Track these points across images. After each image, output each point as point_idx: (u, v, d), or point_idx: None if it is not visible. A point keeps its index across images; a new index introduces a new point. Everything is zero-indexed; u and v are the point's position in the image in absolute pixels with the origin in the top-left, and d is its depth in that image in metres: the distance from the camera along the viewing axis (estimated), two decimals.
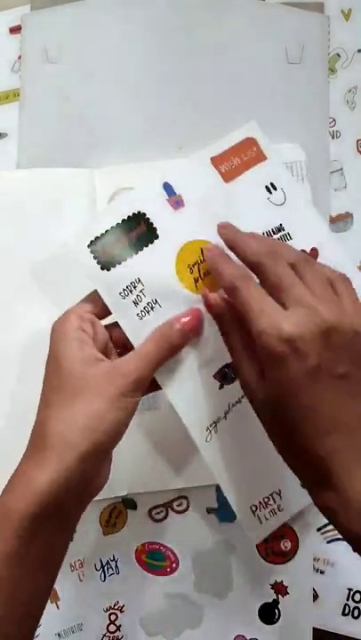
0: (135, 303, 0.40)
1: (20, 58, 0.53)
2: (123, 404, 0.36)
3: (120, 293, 0.39)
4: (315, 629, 0.49)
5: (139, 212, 0.40)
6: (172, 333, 0.39)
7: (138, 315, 0.40)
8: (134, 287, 0.40)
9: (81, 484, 0.36)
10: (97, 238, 0.39)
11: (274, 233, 0.44)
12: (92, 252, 0.39)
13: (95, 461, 0.36)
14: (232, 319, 0.38)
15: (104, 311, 0.40)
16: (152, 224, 0.40)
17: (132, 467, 0.48)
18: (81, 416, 0.35)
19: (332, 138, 0.52)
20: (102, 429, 0.35)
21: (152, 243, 0.40)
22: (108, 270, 0.39)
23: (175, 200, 0.41)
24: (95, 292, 0.39)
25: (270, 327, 0.32)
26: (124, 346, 0.40)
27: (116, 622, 0.50)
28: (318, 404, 0.33)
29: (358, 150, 0.52)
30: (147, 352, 0.38)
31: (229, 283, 0.36)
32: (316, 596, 0.49)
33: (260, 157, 0.44)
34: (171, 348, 0.39)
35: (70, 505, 0.36)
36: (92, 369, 0.37)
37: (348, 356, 0.33)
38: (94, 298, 0.40)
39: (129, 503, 0.50)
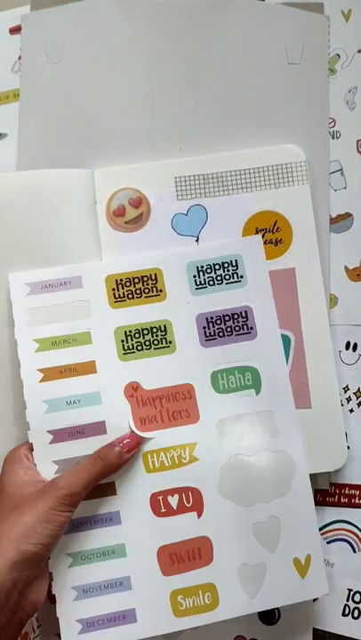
0: None
1: (20, 58, 0.53)
2: (52, 517, 0.40)
3: None
4: (315, 629, 0.49)
5: None
6: (110, 454, 0.43)
7: None
8: None
9: (12, 593, 0.38)
10: None
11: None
12: None
13: (25, 572, 0.39)
14: None
15: None
16: None
17: None
18: (12, 528, 0.39)
19: (332, 138, 0.52)
20: (32, 541, 0.39)
21: None
22: None
23: None
24: None
25: None
26: None
27: None
28: None
29: (358, 150, 0.52)
30: (81, 470, 0.42)
31: None
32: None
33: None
34: (105, 466, 0.43)
35: (2, 618, 0.38)
36: (30, 488, 0.42)
37: None
38: None
39: None
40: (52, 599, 0.45)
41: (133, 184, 0.50)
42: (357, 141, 0.52)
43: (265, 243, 0.49)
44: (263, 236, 0.49)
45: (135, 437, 0.45)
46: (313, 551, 0.46)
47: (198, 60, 0.52)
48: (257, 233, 0.50)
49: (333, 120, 0.52)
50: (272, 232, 0.50)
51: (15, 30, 0.53)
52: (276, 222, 0.50)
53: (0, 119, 0.53)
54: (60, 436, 0.45)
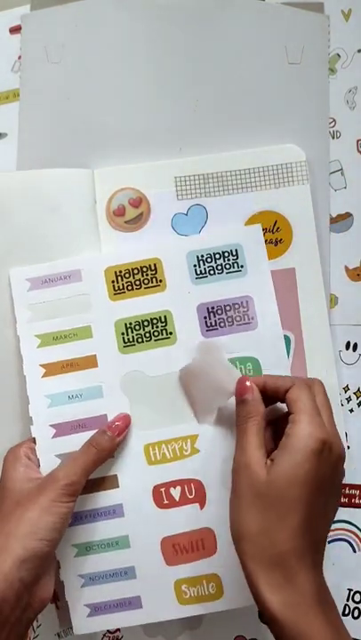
0: None
1: (20, 58, 0.53)
2: (54, 509, 0.40)
3: None
4: None
5: None
6: (102, 440, 0.44)
7: None
8: None
9: (21, 592, 0.38)
10: None
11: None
12: None
13: (32, 569, 0.39)
14: (259, 407, 0.40)
15: None
16: None
17: None
18: (17, 525, 0.39)
19: (332, 138, 0.52)
20: (38, 537, 0.39)
21: None
22: None
23: None
24: None
25: (322, 429, 0.37)
26: None
27: None
28: (307, 504, 0.36)
29: (358, 150, 0.52)
30: (76, 459, 0.43)
31: (302, 380, 0.41)
32: None
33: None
34: (99, 453, 0.43)
35: (10, 613, 0.38)
36: (30, 484, 0.42)
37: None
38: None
39: None
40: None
41: (133, 184, 0.50)
42: (357, 141, 0.52)
43: (265, 242, 0.49)
44: (263, 236, 0.49)
45: (125, 419, 0.45)
46: None
47: (198, 59, 0.52)
48: None
49: (333, 120, 0.52)
50: (272, 232, 0.50)
51: (15, 30, 0.53)
52: (276, 222, 0.50)
53: (0, 119, 0.53)
54: (62, 429, 0.45)
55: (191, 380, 0.46)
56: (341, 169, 0.52)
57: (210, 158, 0.50)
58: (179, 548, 0.46)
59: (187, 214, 0.50)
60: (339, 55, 0.53)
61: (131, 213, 0.50)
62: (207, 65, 0.52)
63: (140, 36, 0.52)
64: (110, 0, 0.52)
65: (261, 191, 0.50)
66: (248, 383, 0.41)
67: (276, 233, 0.50)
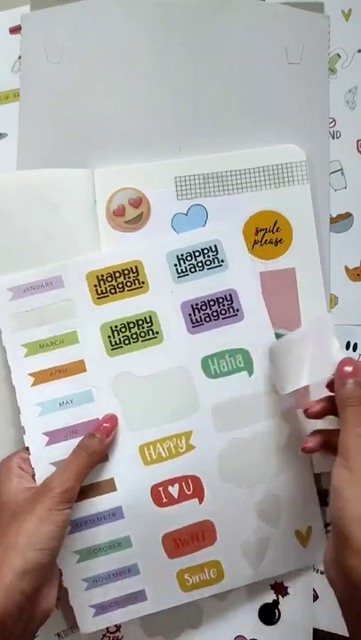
0: None
1: (20, 58, 0.53)
2: (52, 517, 0.40)
3: None
4: (315, 629, 0.49)
5: None
6: (92, 443, 0.44)
7: None
8: None
9: (23, 604, 0.38)
10: None
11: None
12: None
13: (34, 580, 0.39)
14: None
15: None
16: None
17: None
18: (15, 537, 0.39)
19: (332, 138, 0.52)
20: (37, 547, 0.39)
21: None
22: None
23: None
24: None
25: None
26: None
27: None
28: None
29: (358, 150, 0.52)
30: (68, 465, 0.43)
31: None
32: (316, 596, 0.49)
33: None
34: (90, 456, 0.44)
35: (13, 626, 0.38)
36: (25, 494, 0.42)
37: None
38: None
39: None
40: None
41: (133, 184, 0.50)
42: (357, 141, 0.52)
43: (265, 243, 0.49)
44: (263, 236, 0.49)
45: (112, 419, 0.46)
46: (314, 523, 0.47)
47: (198, 60, 0.52)
48: (257, 233, 0.50)
49: (333, 120, 0.52)
50: (272, 232, 0.50)
51: (15, 30, 0.53)
52: (276, 222, 0.50)
53: (0, 119, 0.53)
54: (55, 437, 0.45)
55: (293, 349, 0.44)
56: (341, 169, 0.52)
57: (210, 158, 0.50)
58: (180, 542, 0.46)
59: (187, 214, 0.50)
60: (339, 55, 0.53)
61: (131, 213, 0.50)
62: (207, 65, 0.52)
63: (140, 36, 0.52)
64: (110, 0, 0.52)
65: (261, 191, 0.50)
66: (349, 368, 0.39)
67: (276, 233, 0.50)
